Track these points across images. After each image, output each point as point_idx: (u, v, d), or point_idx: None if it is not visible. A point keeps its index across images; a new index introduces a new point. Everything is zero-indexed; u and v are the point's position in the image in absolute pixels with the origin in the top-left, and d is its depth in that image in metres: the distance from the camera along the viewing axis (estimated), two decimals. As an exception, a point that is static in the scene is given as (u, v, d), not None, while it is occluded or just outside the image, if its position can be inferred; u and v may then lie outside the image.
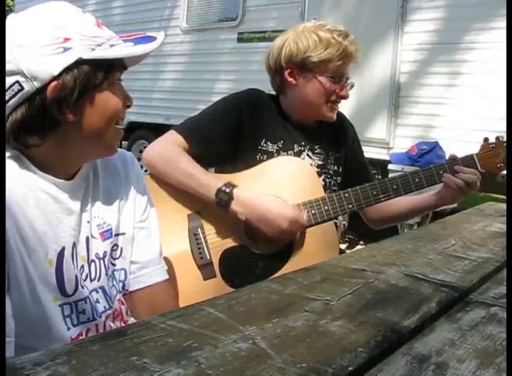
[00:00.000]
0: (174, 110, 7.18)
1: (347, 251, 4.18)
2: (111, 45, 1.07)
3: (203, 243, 1.68)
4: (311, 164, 1.83)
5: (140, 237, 1.28)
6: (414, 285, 0.91)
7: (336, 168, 1.89)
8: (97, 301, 1.16)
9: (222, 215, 1.70)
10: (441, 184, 1.77)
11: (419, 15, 5.08)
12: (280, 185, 1.73)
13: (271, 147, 1.78)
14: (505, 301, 0.88)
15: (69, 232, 1.11)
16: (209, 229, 1.70)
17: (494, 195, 4.18)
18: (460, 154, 1.79)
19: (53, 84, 1.02)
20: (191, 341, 0.63)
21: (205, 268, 1.67)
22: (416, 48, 5.11)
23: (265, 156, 1.77)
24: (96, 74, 1.06)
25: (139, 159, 1.68)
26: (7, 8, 13.21)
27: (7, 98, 1.02)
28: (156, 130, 5.07)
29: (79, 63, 1.03)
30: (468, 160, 1.76)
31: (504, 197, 4.36)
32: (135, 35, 1.12)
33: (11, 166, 1.05)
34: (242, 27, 6.55)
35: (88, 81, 1.05)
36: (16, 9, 11.12)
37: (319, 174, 1.83)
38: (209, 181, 1.66)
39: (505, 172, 1.79)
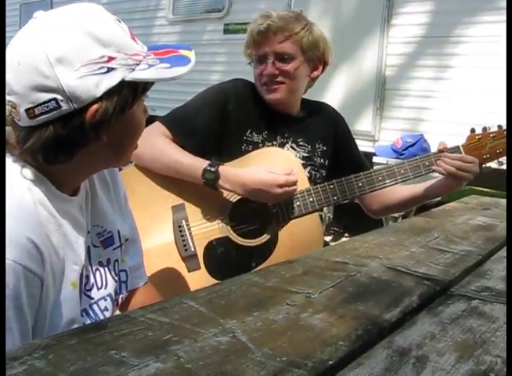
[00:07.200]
0: (160, 102, 7.12)
1: (332, 244, 4.19)
2: (149, 65, 1.01)
3: (188, 235, 1.67)
4: (296, 156, 1.82)
5: (131, 242, 1.28)
6: (396, 278, 0.91)
7: (322, 160, 1.88)
8: (105, 309, 1.14)
9: (207, 206, 1.69)
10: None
11: (405, 8, 5.08)
12: None
13: (256, 138, 1.77)
14: (486, 294, 0.89)
15: (83, 248, 1.08)
16: (194, 221, 1.69)
17: (479, 188, 4.21)
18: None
19: (94, 107, 0.96)
20: (171, 334, 0.62)
21: (189, 260, 1.66)
22: (403, 42, 5.11)
23: (251, 146, 1.76)
24: (134, 96, 1.02)
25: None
26: None
27: (37, 112, 0.95)
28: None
29: (121, 84, 0.98)
30: (454, 152, 1.76)
31: (489, 191, 4.40)
32: (169, 53, 1.06)
33: (35, 191, 1.00)
34: (228, 19, 6.51)
35: (126, 103, 1.00)
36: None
37: (305, 166, 1.83)
38: (194, 163, 1.65)
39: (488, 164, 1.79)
